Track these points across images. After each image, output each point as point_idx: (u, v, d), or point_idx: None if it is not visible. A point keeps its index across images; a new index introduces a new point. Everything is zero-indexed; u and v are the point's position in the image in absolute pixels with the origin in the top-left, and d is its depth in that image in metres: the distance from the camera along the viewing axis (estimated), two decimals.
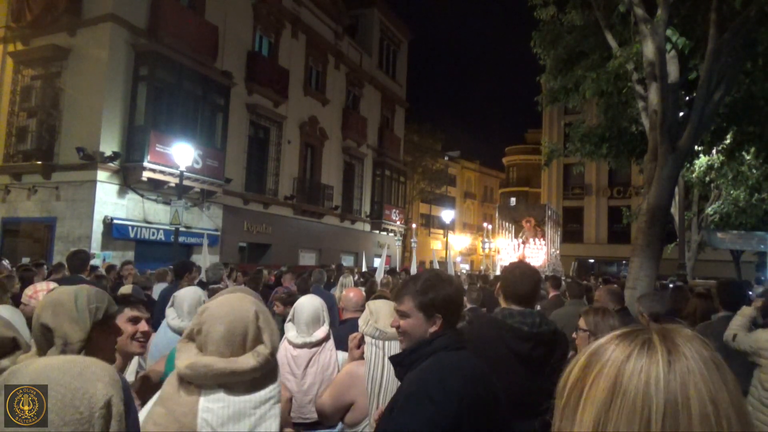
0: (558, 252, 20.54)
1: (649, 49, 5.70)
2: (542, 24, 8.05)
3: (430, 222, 39.53)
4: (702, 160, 13.10)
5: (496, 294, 2.51)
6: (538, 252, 17.77)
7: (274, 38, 18.17)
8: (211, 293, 3.95)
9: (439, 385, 1.46)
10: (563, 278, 11.02)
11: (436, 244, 37.22)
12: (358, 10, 24.18)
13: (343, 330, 3.15)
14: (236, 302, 1.50)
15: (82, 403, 0.87)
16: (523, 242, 18.45)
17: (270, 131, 18.02)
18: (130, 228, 12.47)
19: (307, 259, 19.57)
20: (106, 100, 12.17)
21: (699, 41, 6.37)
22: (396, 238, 25.39)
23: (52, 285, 3.10)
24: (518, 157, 48.81)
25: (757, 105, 7.50)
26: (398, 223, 25.62)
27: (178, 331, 2.87)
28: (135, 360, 2.45)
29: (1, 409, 0.84)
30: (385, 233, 24.69)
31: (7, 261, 7.87)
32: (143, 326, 2.10)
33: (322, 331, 2.88)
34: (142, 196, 12.93)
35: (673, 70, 6.13)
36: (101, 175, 12.09)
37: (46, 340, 1.43)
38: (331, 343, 2.92)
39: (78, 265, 5.52)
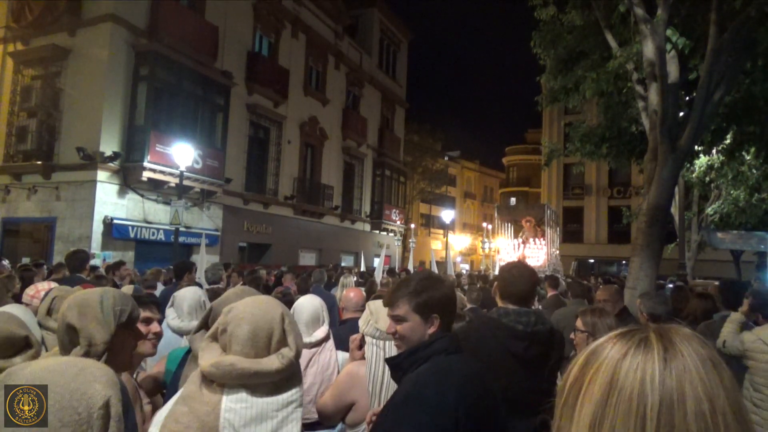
0: (558, 252, 20.51)
1: (649, 49, 5.70)
2: (542, 24, 8.04)
3: (430, 222, 39.51)
4: (702, 160, 13.09)
5: (493, 293, 2.51)
6: (538, 252, 17.73)
7: (274, 38, 18.17)
8: (211, 294, 3.95)
9: (436, 391, 1.44)
10: (564, 278, 11.04)
11: (436, 244, 37.17)
12: (358, 10, 24.17)
13: (343, 330, 3.15)
14: (263, 303, 1.50)
15: (80, 404, 0.87)
16: (523, 242, 18.41)
17: (270, 131, 18.02)
18: (130, 228, 12.47)
19: (307, 259, 19.58)
20: (106, 100, 12.18)
21: (699, 41, 6.37)
22: (396, 238, 25.37)
23: (53, 285, 3.11)
24: (518, 157, 48.84)
25: (757, 105, 7.49)
26: (398, 223, 25.61)
27: (178, 332, 2.87)
28: None
29: (1, 408, 0.84)
30: (385, 233, 24.67)
31: (7, 261, 7.87)
32: (155, 327, 2.13)
33: (321, 332, 2.88)
34: (142, 196, 12.93)
35: (673, 70, 6.14)
36: (101, 175, 12.10)
37: (70, 341, 1.43)
38: (331, 343, 2.92)
39: (77, 265, 5.54)
